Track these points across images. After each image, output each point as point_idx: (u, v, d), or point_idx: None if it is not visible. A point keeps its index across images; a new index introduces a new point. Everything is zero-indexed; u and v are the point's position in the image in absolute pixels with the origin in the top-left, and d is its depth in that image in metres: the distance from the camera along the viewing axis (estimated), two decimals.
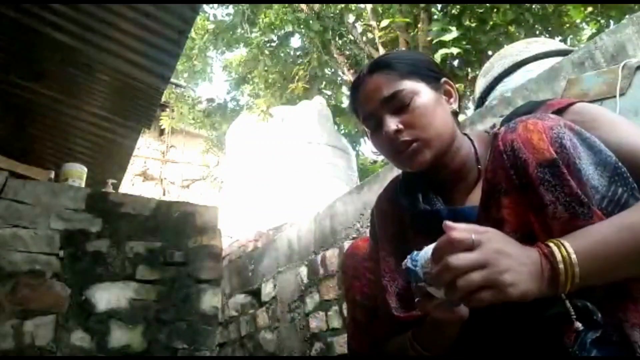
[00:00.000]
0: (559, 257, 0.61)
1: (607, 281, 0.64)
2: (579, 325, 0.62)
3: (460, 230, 0.62)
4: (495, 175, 0.71)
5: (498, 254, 0.60)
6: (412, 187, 0.95)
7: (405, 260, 0.71)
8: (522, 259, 0.62)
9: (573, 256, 0.61)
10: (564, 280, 0.61)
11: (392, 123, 0.88)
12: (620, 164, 0.68)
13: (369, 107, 0.92)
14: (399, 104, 0.88)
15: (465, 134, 0.96)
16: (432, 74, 0.94)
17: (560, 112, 0.81)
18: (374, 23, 6.31)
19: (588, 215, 0.64)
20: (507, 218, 0.70)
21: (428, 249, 0.67)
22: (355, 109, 0.98)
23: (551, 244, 0.63)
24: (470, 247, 0.61)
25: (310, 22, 6.59)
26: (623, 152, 0.71)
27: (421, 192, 0.93)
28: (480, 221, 0.75)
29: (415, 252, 0.70)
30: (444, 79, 0.95)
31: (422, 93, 0.89)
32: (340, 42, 7.30)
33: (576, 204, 0.65)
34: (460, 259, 0.60)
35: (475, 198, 0.84)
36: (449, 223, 0.64)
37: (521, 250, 0.63)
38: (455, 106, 0.94)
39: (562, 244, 0.63)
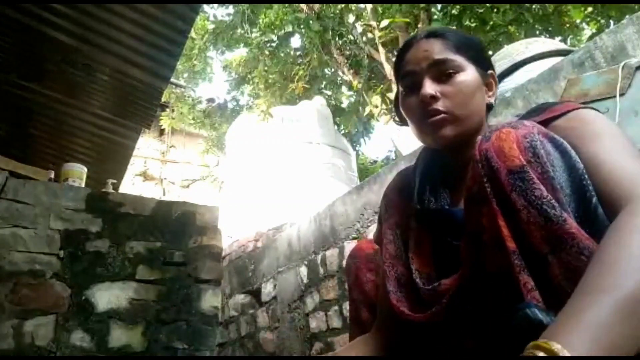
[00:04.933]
0: None
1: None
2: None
3: None
4: (474, 184, 0.72)
5: None
6: (423, 178, 0.95)
7: None
8: None
9: None
10: None
11: (431, 88, 0.87)
12: (584, 170, 0.68)
13: (415, 66, 0.91)
14: (445, 72, 0.88)
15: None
16: (484, 61, 0.94)
17: (557, 117, 0.81)
18: (374, 23, 6.30)
19: (561, 218, 0.63)
20: (486, 226, 0.70)
21: None
22: (398, 65, 0.96)
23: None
24: None
25: (310, 22, 6.59)
26: (594, 166, 0.70)
27: (430, 185, 0.93)
28: (465, 227, 0.76)
29: None
30: (490, 71, 0.95)
31: (469, 71, 0.89)
32: (340, 42, 7.29)
33: (548, 207, 0.64)
34: None
35: None
36: None
37: None
38: (492, 100, 0.95)
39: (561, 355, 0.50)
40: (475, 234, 0.72)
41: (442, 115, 0.86)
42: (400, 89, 0.95)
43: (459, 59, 0.89)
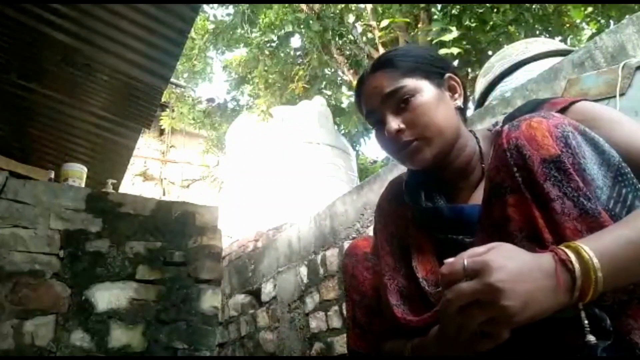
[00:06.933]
0: (577, 263, 0.57)
1: (632, 282, 0.61)
2: (592, 338, 0.58)
3: (450, 263, 0.61)
4: (499, 173, 0.70)
5: (497, 281, 0.56)
6: (416, 184, 0.95)
7: None
8: (532, 273, 0.58)
9: (595, 260, 0.57)
10: (584, 289, 0.57)
11: (394, 122, 0.87)
12: (623, 163, 0.67)
13: (371, 105, 0.93)
14: (400, 102, 0.88)
15: (471, 131, 0.95)
16: (435, 70, 0.92)
17: (562, 111, 0.81)
18: (374, 23, 6.31)
19: (597, 211, 0.63)
20: (513, 216, 0.68)
21: None
22: (359, 105, 0.99)
23: (567, 249, 0.59)
24: (468, 275, 0.59)
25: (310, 22, 6.58)
26: (624, 152, 0.70)
27: (424, 190, 0.92)
28: (482, 220, 0.74)
29: None
30: (448, 75, 0.93)
31: (424, 91, 0.88)
32: (340, 42, 7.29)
33: (584, 199, 0.63)
34: (455, 292, 0.59)
35: (478, 196, 0.84)
36: (447, 260, 0.64)
37: (531, 261, 0.60)
38: (460, 102, 0.93)
39: (581, 247, 0.58)
40: (498, 225, 0.70)
41: (414, 143, 0.87)
42: (369, 125, 0.98)
43: (409, 83, 0.88)
